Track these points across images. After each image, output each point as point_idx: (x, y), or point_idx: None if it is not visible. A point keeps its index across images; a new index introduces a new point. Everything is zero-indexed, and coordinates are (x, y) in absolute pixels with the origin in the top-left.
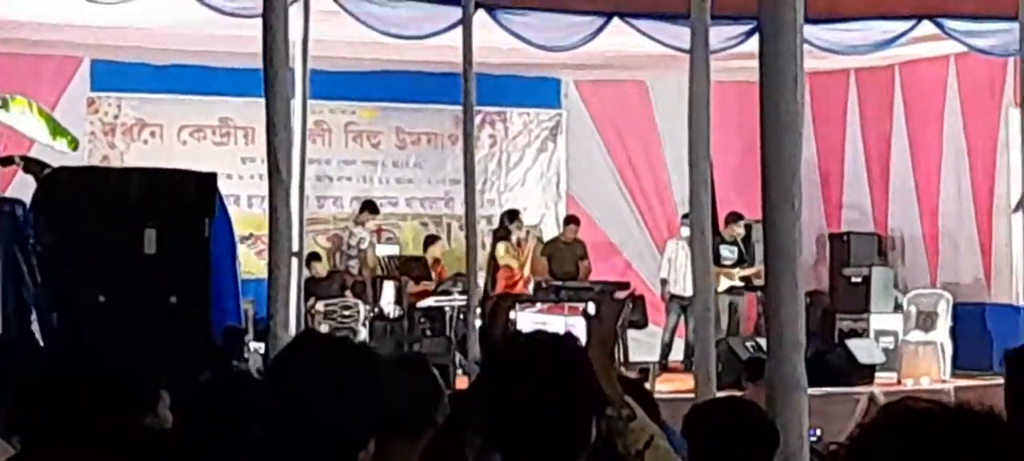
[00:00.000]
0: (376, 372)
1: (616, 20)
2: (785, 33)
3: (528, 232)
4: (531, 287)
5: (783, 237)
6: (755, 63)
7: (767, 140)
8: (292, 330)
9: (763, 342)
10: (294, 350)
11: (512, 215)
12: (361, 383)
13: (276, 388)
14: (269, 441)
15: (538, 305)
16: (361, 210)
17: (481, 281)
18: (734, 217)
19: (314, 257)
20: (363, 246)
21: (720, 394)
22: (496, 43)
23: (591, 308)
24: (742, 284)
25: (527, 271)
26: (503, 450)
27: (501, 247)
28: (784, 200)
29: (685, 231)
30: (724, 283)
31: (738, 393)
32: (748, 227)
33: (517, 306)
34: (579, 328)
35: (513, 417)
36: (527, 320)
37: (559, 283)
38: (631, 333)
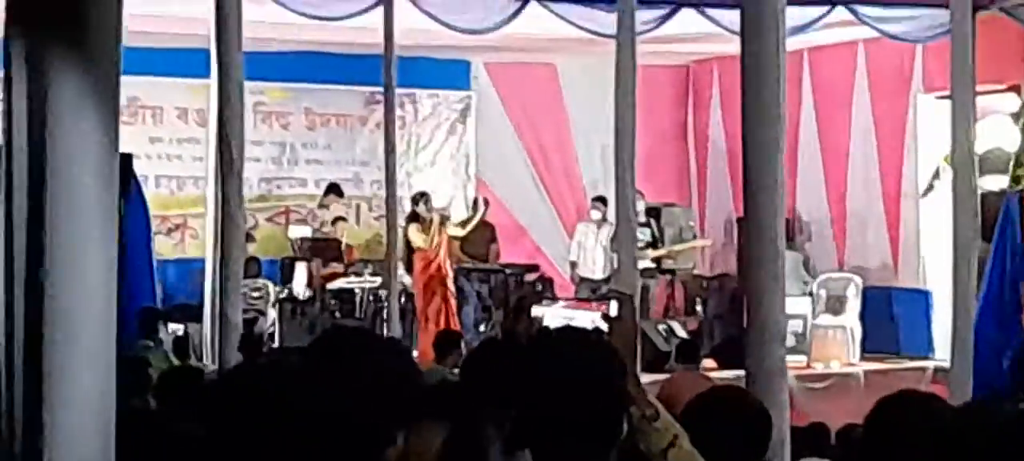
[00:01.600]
0: (407, 364)
1: (533, 3)
2: (769, 23)
3: (437, 213)
4: (448, 268)
5: (765, 226)
6: (668, 47)
7: (750, 130)
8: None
9: (675, 326)
10: (326, 344)
11: (419, 197)
12: (393, 376)
13: (308, 383)
14: (300, 438)
15: (562, 302)
16: (326, 193)
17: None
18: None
19: (248, 239)
20: (326, 229)
21: (644, 377)
22: (409, 24)
23: (614, 308)
24: (654, 266)
25: (442, 253)
26: (533, 448)
27: (412, 229)
28: (767, 190)
29: (595, 214)
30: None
31: (660, 377)
32: (656, 211)
33: (543, 302)
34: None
35: (545, 416)
36: (555, 316)
37: (470, 266)
38: None
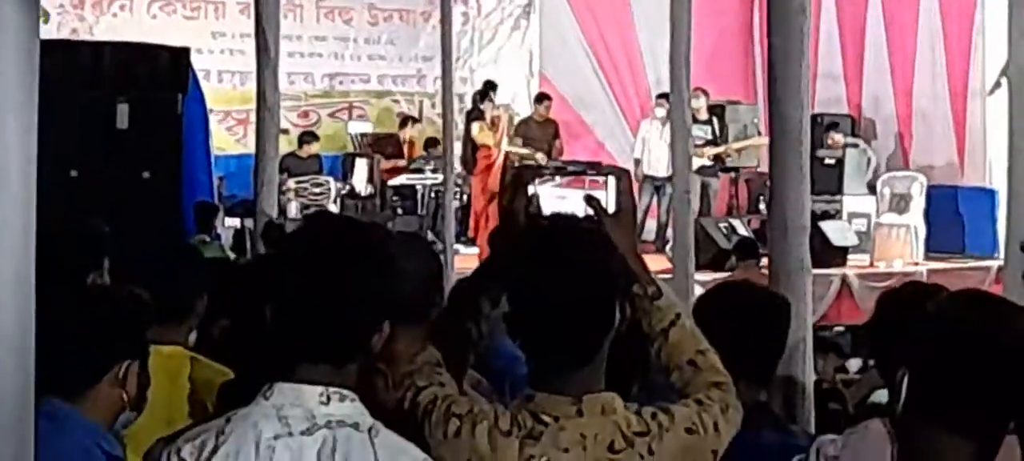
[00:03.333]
0: (392, 254)
1: None
2: None
3: (502, 109)
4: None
5: (789, 121)
6: None
7: (775, 25)
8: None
9: (737, 224)
10: (309, 232)
11: (485, 93)
12: (378, 265)
13: (290, 269)
14: (282, 323)
15: (557, 179)
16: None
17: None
18: (696, 93)
19: (312, 137)
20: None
21: (704, 275)
22: None
23: (611, 184)
24: (713, 164)
25: (503, 149)
26: (525, 337)
27: (476, 126)
28: (791, 84)
29: (659, 111)
30: (696, 162)
31: (720, 275)
32: (720, 108)
33: (537, 181)
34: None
35: (537, 305)
36: (547, 194)
37: (533, 163)
38: None
